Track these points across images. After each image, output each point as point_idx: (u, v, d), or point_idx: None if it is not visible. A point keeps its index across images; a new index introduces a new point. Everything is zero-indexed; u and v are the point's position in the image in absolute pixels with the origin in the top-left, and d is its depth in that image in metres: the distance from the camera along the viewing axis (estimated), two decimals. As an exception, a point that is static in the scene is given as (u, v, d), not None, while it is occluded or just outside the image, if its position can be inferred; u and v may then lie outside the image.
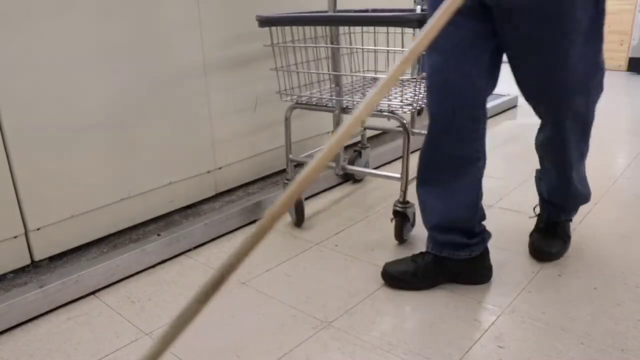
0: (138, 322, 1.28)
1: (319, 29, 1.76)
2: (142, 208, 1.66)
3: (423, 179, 1.36)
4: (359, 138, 2.20)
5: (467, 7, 0.97)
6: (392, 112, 1.55)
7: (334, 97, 1.67)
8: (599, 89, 1.29)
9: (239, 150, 1.94)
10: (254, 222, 1.83)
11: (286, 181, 1.77)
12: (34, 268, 1.43)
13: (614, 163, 2.30)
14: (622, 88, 4.08)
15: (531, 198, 1.94)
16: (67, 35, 1.39)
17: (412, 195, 1.46)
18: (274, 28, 1.62)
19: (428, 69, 1.26)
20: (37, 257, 1.44)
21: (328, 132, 2.20)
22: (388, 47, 1.48)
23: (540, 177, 1.53)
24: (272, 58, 1.75)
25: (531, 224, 1.59)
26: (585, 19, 1.14)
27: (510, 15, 1.15)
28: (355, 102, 1.63)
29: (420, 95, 1.64)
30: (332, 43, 1.66)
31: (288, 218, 1.82)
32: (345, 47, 1.73)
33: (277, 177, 2.08)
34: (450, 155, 1.30)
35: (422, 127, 1.63)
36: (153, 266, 1.54)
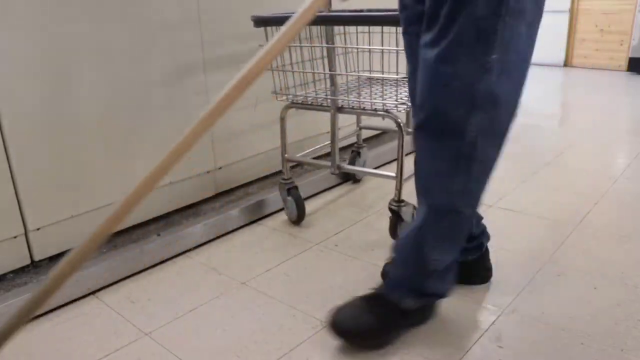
0: (138, 322, 1.28)
1: (314, 28, 1.77)
2: (142, 208, 1.66)
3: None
4: (354, 138, 2.21)
5: None
6: (386, 111, 1.56)
7: (329, 97, 1.68)
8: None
9: (239, 150, 1.94)
10: (253, 222, 1.83)
11: (282, 181, 1.77)
12: (34, 268, 1.43)
13: (614, 163, 2.30)
14: (622, 88, 4.08)
15: (531, 198, 1.94)
16: (67, 34, 1.39)
17: (409, 195, 1.46)
18: (269, 28, 1.63)
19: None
20: (37, 257, 1.44)
21: (327, 132, 2.20)
22: (382, 46, 1.48)
23: None
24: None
25: (531, 223, 1.59)
26: None
27: None
28: (350, 102, 1.64)
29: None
30: (327, 43, 1.66)
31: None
32: (341, 46, 1.74)
33: (277, 177, 2.08)
34: None
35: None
36: (153, 266, 1.54)
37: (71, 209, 1.48)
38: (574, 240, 1.57)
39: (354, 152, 2.19)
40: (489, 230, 1.40)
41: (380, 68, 1.55)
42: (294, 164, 2.04)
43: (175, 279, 1.47)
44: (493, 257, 1.41)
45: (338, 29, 1.77)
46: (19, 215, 1.38)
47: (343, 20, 1.55)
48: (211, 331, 1.23)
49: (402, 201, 1.58)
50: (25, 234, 1.41)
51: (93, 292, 1.41)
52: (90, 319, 1.30)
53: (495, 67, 0.97)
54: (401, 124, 1.54)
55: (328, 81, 1.74)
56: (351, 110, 1.65)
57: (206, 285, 1.43)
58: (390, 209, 1.59)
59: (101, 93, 1.49)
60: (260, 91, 1.94)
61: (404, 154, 1.56)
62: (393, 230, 1.62)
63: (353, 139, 2.24)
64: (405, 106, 1.56)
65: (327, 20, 1.56)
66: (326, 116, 1.75)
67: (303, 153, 1.89)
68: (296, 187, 1.78)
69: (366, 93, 1.74)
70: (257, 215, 1.84)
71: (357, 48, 1.83)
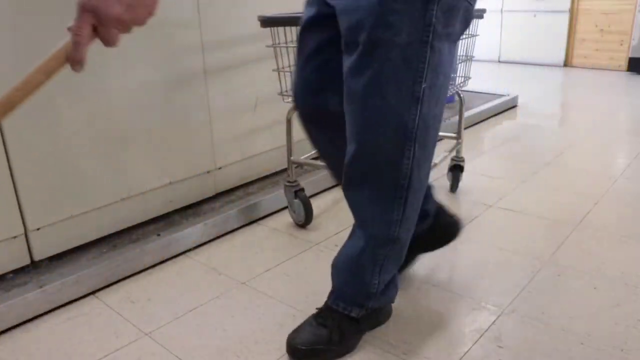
0: (138, 322, 1.28)
1: None
2: (141, 208, 1.66)
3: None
4: None
5: None
6: None
7: None
8: None
9: (239, 150, 1.94)
10: (253, 222, 1.83)
11: (288, 184, 1.77)
12: (34, 268, 1.43)
13: (614, 163, 2.30)
14: (622, 88, 4.08)
15: (531, 198, 1.94)
16: (66, 34, 1.38)
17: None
18: (275, 28, 1.63)
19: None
20: (37, 257, 1.44)
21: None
22: None
23: None
24: (272, 58, 1.75)
25: (531, 223, 1.60)
26: None
27: None
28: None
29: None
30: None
31: (288, 218, 1.82)
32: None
33: (277, 177, 2.08)
34: None
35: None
36: (153, 266, 1.54)
37: (71, 209, 1.48)
38: (574, 240, 1.57)
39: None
40: (489, 230, 1.40)
41: None
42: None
43: (175, 279, 1.47)
44: (493, 257, 1.41)
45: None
46: (19, 215, 1.38)
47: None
48: (211, 331, 1.23)
49: None
50: (25, 234, 1.41)
51: (93, 292, 1.41)
52: (90, 319, 1.30)
53: (426, 94, 0.93)
54: None
55: None
56: None
57: (206, 285, 1.43)
58: None
59: (101, 93, 1.49)
60: (260, 92, 1.94)
61: None
62: None
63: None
64: None
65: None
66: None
67: (307, 154, 1.89)
68: (302, 190, 1.76)
69: None
70: (257, 215, 1.84)
71: None
